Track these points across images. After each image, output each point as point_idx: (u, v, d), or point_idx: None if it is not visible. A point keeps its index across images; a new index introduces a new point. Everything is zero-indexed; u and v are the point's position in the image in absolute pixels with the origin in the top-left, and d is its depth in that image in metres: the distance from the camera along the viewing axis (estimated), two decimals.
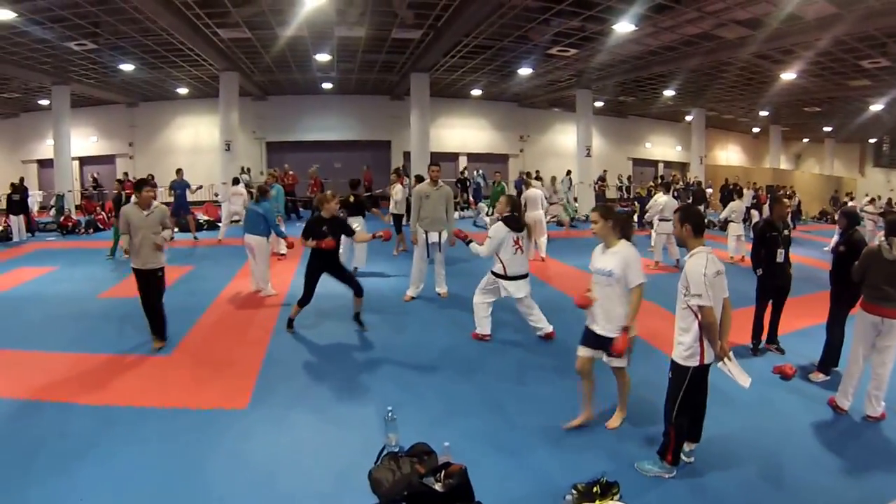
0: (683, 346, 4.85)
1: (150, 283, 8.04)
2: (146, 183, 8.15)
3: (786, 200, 9.50)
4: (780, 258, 8.13)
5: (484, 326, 8.64)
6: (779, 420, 6.18)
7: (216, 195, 24.20)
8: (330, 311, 9.74)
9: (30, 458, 5.13)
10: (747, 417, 6.08)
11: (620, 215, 5.78)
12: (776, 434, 5.87)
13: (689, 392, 4.87)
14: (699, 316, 4.72)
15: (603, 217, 5.63)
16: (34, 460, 5.09)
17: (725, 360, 4.94)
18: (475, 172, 29.47)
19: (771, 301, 8.36)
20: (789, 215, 22.68)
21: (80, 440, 5.44)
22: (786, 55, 19.16)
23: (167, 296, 11.20)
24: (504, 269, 8.19)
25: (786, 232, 8.28)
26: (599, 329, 5.61)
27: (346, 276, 8.94)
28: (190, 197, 19.24)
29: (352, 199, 13.22)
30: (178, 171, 19.65)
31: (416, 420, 5.84)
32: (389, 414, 5.24)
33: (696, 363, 4.81)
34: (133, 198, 8.78)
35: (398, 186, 15.50)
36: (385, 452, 4.96)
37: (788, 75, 21.85)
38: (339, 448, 5.45)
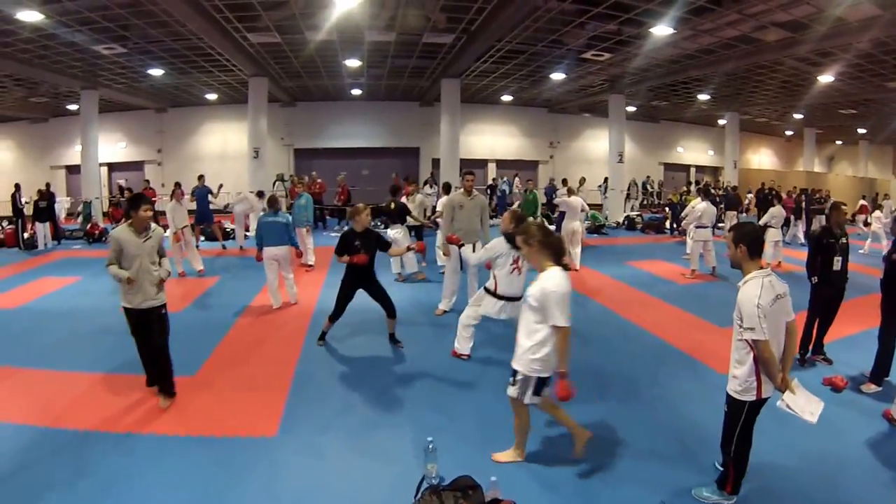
0: (738, 380, 4.49)
1: (152, 325, 6.60)
2: (142, 200, 6.59)
3: (844, 207, 9.05)
4: (836, 266, 7.83)
5: (463, 345, 8.24)
6: (833, 435, 5.84)
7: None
8: (361, 327, 9.48)
9: (45, 494, 4.87)
10: (800, 434, 5.56)
11: (549, 236, 5.20)
12: (831, 450, 5.62)
13: (746, 425, 4.56)
14: (754, 350, 4.34)
15: (526, 243, 5.14)
16: (49, 498, 4.83)
17: (787, 393, 4.50)
18: (501, 179, 29.16)
19: (823, 310, 8.05)
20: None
21: (97, 474, 5.16)
22: (824, 57, 18.71)
23: (193, 311, 11.19)
24: (495, 286, 7.68)
25: (843, 240, 7.96)
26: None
27: (381, 295, 8.57)
28: (216, 204, 19.13)
29: (392, 205, 13.01)
30: (200, 178, 19.53)
31: (455, 447, 5.54)
32: (430, 445, 4.92)
33: (753, 397, 4.45)
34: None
35: (419, 196, 15.28)
36: (425, 486, 4.67)
37: (826, 78, 21.40)
38: (374, 480, 5.14)
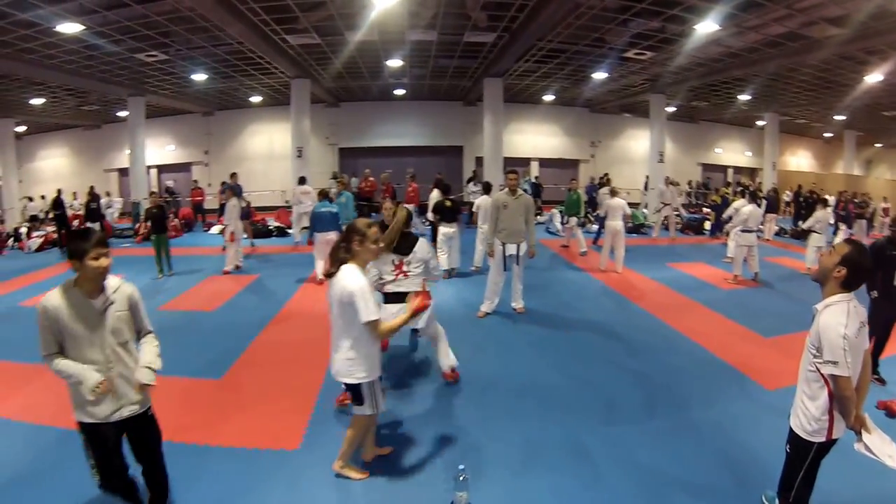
0: (808, 417, 3.91)
1: (137, 442, 4.21)
2: (93, 238, 3.91)
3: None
4: None
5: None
6: (891, 472, 5.12)
7: (287, 202, 24.64)
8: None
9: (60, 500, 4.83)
10: (858, 468, 4.56)
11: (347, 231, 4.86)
12: (891, 490, 4.95)
13: (811, 468, 4.00)
14: (831, 385, 3.78)
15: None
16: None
17: (863, 432, 3.88)
18: (523, 178, 28.80)
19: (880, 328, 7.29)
20: (866, 223, 22.06)
21: None
22: (872, 55, 18.23)
23: (226, 310, 11.21)
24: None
25: None
26: None
27: None
28: (259, 202, 19.36)
29: (448, 203, 12.97)
30: (233, 175, 19.87)
31: (491, 470, 5.28)
32: (462, 476, 4.59)
33: (823, 438, 3.87)
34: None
35: (435, 192, 15.07)
36: None
37: (873, 77, 20.82)
38: None
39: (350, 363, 4.77)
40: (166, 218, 14.83)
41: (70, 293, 3.88)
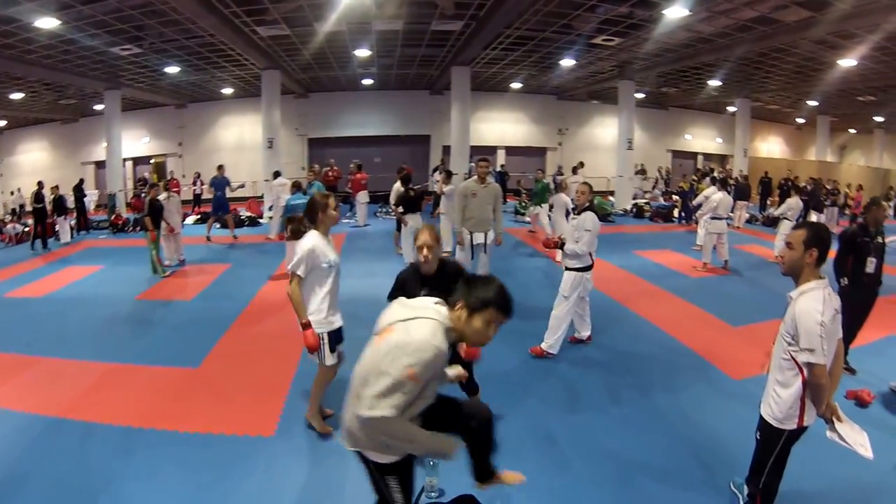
0: (780, 405, 3.87)
1: None
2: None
3: (885, 203, 8.14)
4: (869, 268, 7.14)
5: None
6: (860, 459, 4.42)
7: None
8: (369, 319, 9.18)
9: (47, 491, 4.90)
10: (829, 455, 4.56)
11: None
12: (862, 475, 4.87)
13: (781, 456, 3.97)
14: (805, 373, 3.73)
15: None
16: (51, 495, 4.85)
17: (835, 421, 3.90)
18: (492, 170, 28.62)
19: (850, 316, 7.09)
20: (837, 211, 22.11)
21: (97, 471, 5.14)
22: (846, 40, 18.00)
23: (201, 301, 11.36)
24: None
25: (879, 239, 7.24)
26: None
27: None
28: (230, 194, 19.48)
29: (411, 193, 12.89)
30: (220, 168, 19.50)
31: (461, 459, 5.16)
32: (430, 462, 4.58)
33: (794, 426, 3.85)
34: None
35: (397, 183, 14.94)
36: (423, 501, 4.42)
37: (847, 62, 20.55)
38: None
39: (313, 316, 5.43)
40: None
41: None
